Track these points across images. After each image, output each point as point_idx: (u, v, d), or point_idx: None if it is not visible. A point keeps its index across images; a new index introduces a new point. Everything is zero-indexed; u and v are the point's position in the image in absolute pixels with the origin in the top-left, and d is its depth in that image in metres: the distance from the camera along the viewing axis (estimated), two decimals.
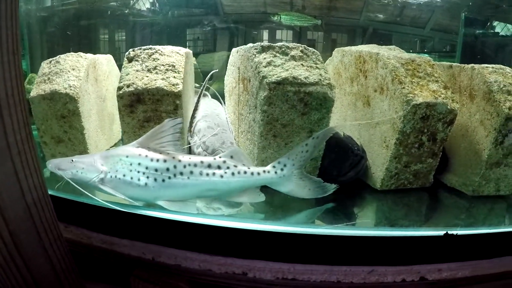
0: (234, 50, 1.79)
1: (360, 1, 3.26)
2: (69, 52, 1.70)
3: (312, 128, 1.38)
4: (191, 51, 1.80)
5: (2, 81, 0.70)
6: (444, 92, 1.39)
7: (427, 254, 1.08)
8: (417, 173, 1.49)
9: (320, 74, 1.35)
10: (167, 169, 1.13)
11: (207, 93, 2.16)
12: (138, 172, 1.13)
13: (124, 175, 1.13)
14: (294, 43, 1.45)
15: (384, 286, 1.02)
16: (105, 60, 1.93)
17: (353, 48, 1.74)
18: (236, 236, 1.06)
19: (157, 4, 3.23)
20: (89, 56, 1.74)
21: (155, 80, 1.39)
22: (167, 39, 3.26)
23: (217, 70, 2.29)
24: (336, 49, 1.85)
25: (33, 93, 1.52)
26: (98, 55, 1.85)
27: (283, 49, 1.41)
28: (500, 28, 3.39)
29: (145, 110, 1.40)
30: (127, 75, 1.42)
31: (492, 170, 1.46)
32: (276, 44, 1.42)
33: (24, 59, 2.96)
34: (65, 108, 1.51)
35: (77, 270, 0.97)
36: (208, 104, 1.96)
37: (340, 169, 1.48)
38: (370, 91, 1.54)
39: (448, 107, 1.36)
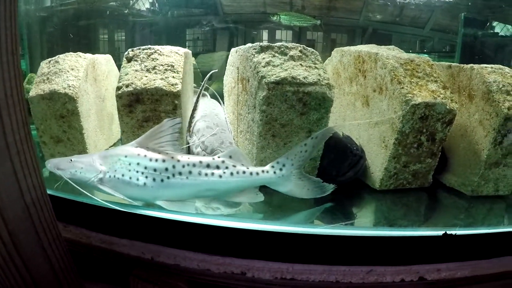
0: (233, 50, 1.79)
1: (359, 1, 3.27)
2: (68, 52, 1.71)
3: (311, 128, 1.38)
4: (190, 51, 1.80)
5: (1, 81, 0.70)
6: (443, 92, 1.39)
7: (426, 254, 1.08)
8: (416, 173, 1.49)
9: (319, 74, 1.36)
10: (166, 169, 1.13)
11: (206, 93, 2.16)
12: (137, 172, 1.13)
13: (123, 175, 1.13)
14: (293, 43, 1.45)
15: (383, 286, 1.02)
16: (104, 60, 1.93)
17: (352, 48, 1.74)
18: (235, 236, 1.06)
19: (156, 4, 3.23)
20: (88, 56, 1.74)
21: (154, 80, 1.39)
22: (167, 39, 3.26)
23: (217, 70, 2.29)
24: (335, 49, 1.85)
25: (32, 93, 1.52)
26: (97, 55, 1.85)
27: (282, 49, 1.41)
28: (499, 28, 3.39)
29: (144, 110, 1.40)
30: (126, 75, 1.42)
31: (491, 170, 1.47)
32: (275, 44, 1.42)
33: (23, 59, 2.96)
34: (64, 108, 1.51)
35: (76, 270, 0.97)
36: (207, 104, 1.96)
37: (339, 169, 1.48)
38: (369, 91, 1.54)
39: (447, 107, 1.36)
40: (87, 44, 3.19)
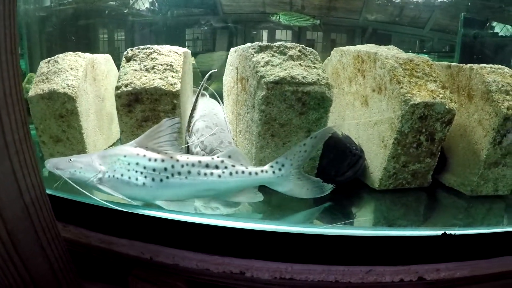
0: (232, 49, 1.79)
1: (359, 1, 3.27)
2: (68, 51, 1.71)
3: (310, 128, 1.38)
4: (189, 51, 1.80)
5: (0, 81, 0.70)
6: (442, 92, 1.39)
7: (425, 254, 1.08)
8: (415, 173, 1.49)
9: (318, 74, 1.36)
10: (165, 169, 1.13)
11: (205, 92, 2.16)
12: (136, 171, 1.13)
13: (122, 175, 1.13)
14: (292, 43, 1.45)
15: (382, 286, 1.02)
16: (104, 60, 1.93)
17: (352, 48, 1.74)
18: (234, 235, 1.06)
19: (156, 3, 3.23)
20: (88, 55, 1.74)
21: (153, 79, 1.39)
22: (166, 38, 3.26)
23: (216, 70, 2.29)
24: (334, 49, 1.85)
25: (31, 93, 1.52)
26: (96, 55, 1.85)
27: (281, 48, 1.41)
28: (499, 28, 3.39)
29: (143, 109, 1.40)
30: (125, 74, 1.42)
31: (491, 170, 1.47)
32: (274, 44, 1.42)
33: (23, 58, 2.96)
34: (63, 107, 1.51)
35: (75, 270, 0.97)
36: (206, 104, 1.96)
37: (338, 168, 1.48)
38: (368, 91, 1.54)
39: (446, 107, 1.36)
40: (87, 43, 3.19)
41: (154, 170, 1.13)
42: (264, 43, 1.43)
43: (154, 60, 1.47)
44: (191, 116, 1.76)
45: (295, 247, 1.05)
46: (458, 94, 1.55)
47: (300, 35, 3.40)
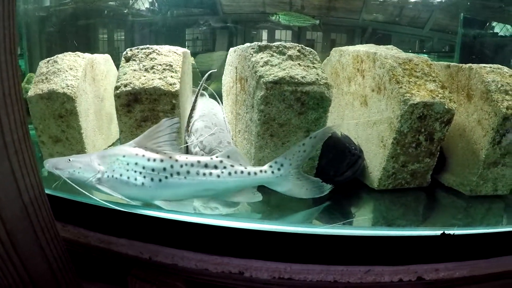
0: (231, 49, 1.79)
1: (359, 1, 3.27)
2: (67, 51, 1.71)
3: (309, 128, 1.38)
4: (188, 51, 1.80)
5: None
6: (441, 91, 1.39)
7: (425, 254, 1.08)
8: (415, 172, 1.49)
9: (317, 74, 1.36)
10: (164, 169, 1.13)
11: (204, 92, 2.16)
12: (135, 171, 1.13)
13: (121, 175, 1.13)
14: (291, 43, 1.45)
15: (381, 286, 1.02)
16: (103, 60, 1.93)
17: (351, 47, 1.74)
18: (233, 235, 1.06)
19: (156, 3, 3.23)
20: (87, 55, 1.74)
21: (152, 79, 1.39)
22: (166, 39, 3.26)
23: (215, 70, 2.29)
24: (334, 48, 1.85)
25: (30, 93, 1.52)
26: (96, 55, 1.85)
27: (280, 48, 1.41)
28: (499, 28, 3.39)
29: (142, 109, 1.40)
30: (124, 74, 1.42)
31: (490, 170, 1.47)
32: (273, 44, 1.42)
33: (22, 58, 2.96)
34: (62, 107, 1.51)
35: (74, 270, 0.97)
36: (205, 104, 1.96)
37: (338, 168, 1.48)
38: (368, 91, 1.54)
39: (446, 106, 1.36)
40: (86, 43, 3.18)
41: (153, 170, 1.13)
42: (263, 43, 1.44)
43: (153, 60, 1.47)
44: (190, 116, 1.76)
45: (294, 247, 1.05)
46: (458, 94, 1.55)
47: (300, 35, 3.39)
